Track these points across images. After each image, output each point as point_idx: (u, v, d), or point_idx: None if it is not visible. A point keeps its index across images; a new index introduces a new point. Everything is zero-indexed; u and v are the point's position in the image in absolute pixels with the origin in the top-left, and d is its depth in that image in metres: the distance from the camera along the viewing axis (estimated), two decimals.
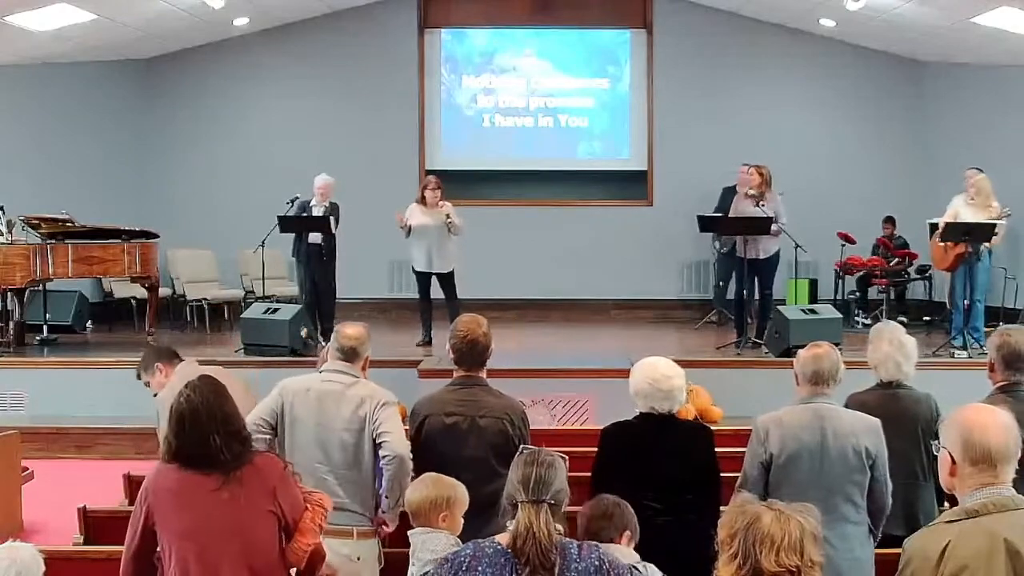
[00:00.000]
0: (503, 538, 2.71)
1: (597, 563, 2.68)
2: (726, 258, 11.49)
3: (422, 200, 9.44)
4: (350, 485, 4.02)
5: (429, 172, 12.55)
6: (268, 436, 4.08)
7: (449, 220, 9.29)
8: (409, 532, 3.50)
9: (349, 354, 4.16)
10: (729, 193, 11.58)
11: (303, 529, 3.27)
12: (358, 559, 3.97)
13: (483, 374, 4.19)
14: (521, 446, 3.00)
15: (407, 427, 4.22)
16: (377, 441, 4.00)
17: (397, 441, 3.98)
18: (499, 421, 4.04)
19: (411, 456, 4.04)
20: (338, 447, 4.02)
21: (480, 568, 2.66)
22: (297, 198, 9.68)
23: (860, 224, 11.69)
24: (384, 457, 3.98)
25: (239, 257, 11.80)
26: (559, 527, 2.76)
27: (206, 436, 3.13)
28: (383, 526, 4.08)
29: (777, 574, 2.25)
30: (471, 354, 4.13)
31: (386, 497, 4.02)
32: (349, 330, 4.24)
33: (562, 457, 2.86)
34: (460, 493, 3.49)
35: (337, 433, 4.02)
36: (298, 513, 3.27)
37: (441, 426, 4.05)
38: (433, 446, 4.06)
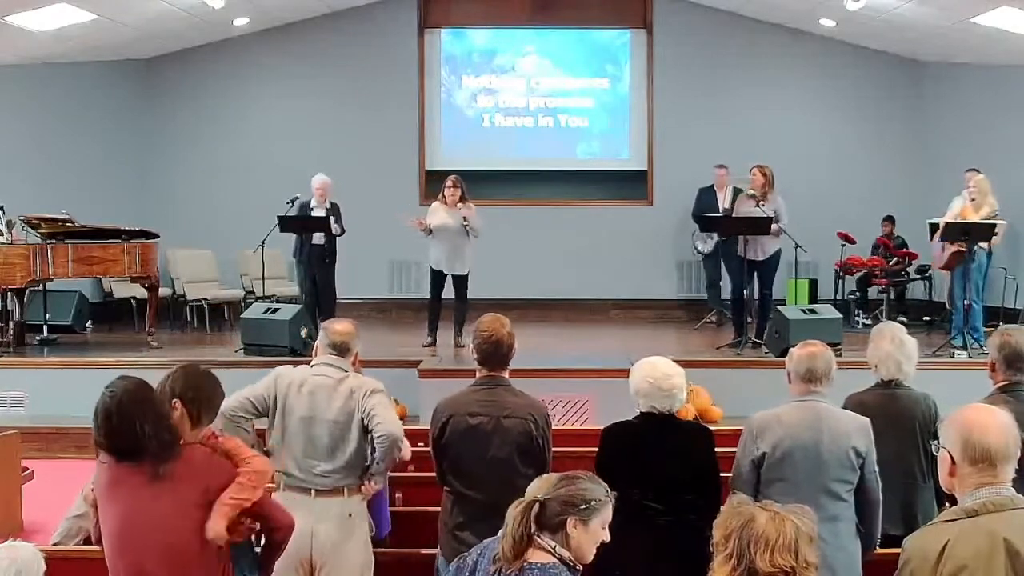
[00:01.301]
0: None
1: None
2: (710, 259, 11.55)
3: (443, 199, 9.36)
4: (338, 462, 4.08)
5: (429, 172, 12.61)
6: (250, 418, 4.13)
7: (465, 223, 9.22)
8: None
9: (340, 349, 4.22)
10: (705, 193, 11.63)
11: (233, 486, 3.25)
12: (351, 515, 4.06)
13: (506, 374, 4.19)
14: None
15: (430, 427, 4.23)
16: (370, 427, 4.05)
17: (390, 423, 4.06)
18: (523, 421, 4.03)
19: (404, 437, 4.15)
20: (327, 439, 4.08)
21: (485, 556, 2.80)
22: (297, 198, 9.67)
23: (860, 224, 11.70)
24: (379, 437, 4.03)
25: (239, 257, 11.80)
26: (553, 543, 2.72)
27: (133, 424, 3.14)
28: (365, 485, 4.12)
29: (772, 574, 2.25)
30: (495, 354, 4.13)
31: (378, 463, 4.11)
32: (338, 326, 4.30)
33: (607, 490, 2.81)
34: None
35: (327, 425, 4.08)
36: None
37: (465, 426, 4.05)
38: (457, 446, 4.06)
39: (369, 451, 4.12)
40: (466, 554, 2.94)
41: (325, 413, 4.09)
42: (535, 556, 2.70)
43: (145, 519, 3.12)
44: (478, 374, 4.19)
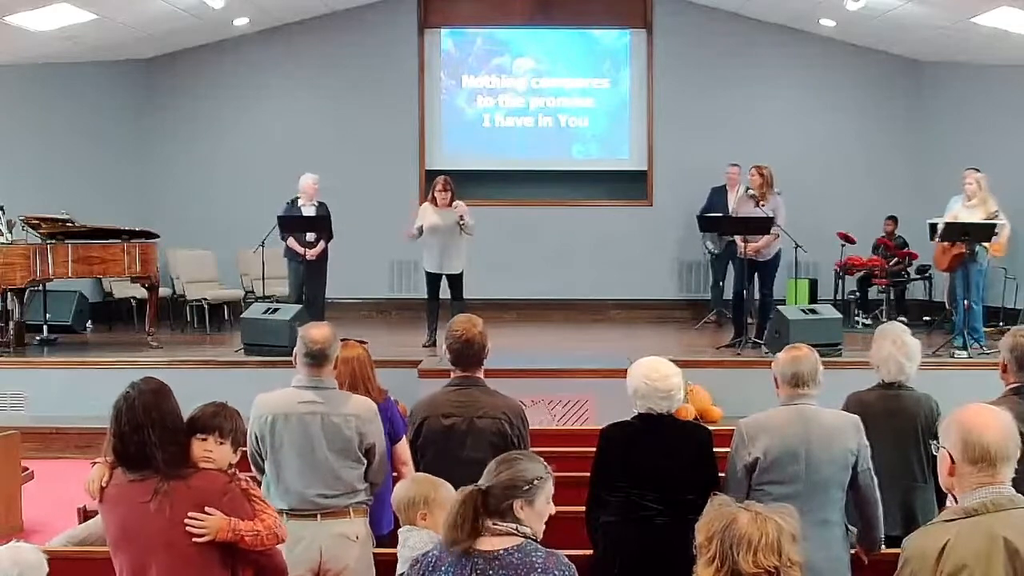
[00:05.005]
0: None
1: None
2: (719, 259, 11.53)
3: (433, 201, 9.40)
4: (339, 487, 3.97)
5: (429, 172, 12.60)
6: (262, 468, 4.02)
7: (462, 221, 9.25)
8: (399, 530, 3.52)
9: (320, 358, 3.94)
10: (717, 193, 11.62)
11: (251, 523, 3.20)
12: (356, 538, 3.94)
13: (480, 374, 4.17)
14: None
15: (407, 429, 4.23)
16: (368, 480, 4.03)
17: (379, 484, 4.09)
18: (497, 421, 4.03)
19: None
20: (324, 466, 3.94)
21: (443, 568, 2.70)
22: (298, 198, 9.70)
23: (860, 224, 11.70)
24: (370, 484, 4.06)
25: (239, 257, 11.80)
26: (514, 524, 2.71)
27: (141, 429, 3.10)
28: None
29: (755, 575, 2.25)
30: (467, 354, 4.13)
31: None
32: (315, 333, 3.96)
33: (545, 465, 2.81)
34: (442, 494, 3.44)
35: (323, 453, 3.94)
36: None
37: (439, 427, 4.05)
38: (432, 447, 4.07)
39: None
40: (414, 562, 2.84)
41: (319, 442, 3.92)
42: (498, 543, 2.67)
43: (149, 533, 3.09)
44: (452, 375, 4.18)
